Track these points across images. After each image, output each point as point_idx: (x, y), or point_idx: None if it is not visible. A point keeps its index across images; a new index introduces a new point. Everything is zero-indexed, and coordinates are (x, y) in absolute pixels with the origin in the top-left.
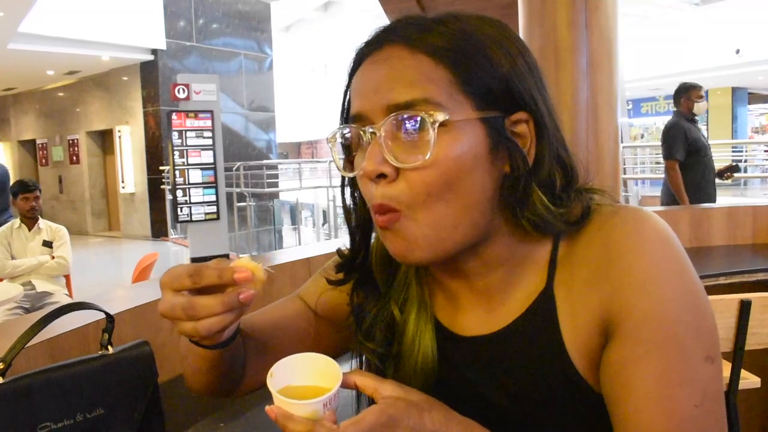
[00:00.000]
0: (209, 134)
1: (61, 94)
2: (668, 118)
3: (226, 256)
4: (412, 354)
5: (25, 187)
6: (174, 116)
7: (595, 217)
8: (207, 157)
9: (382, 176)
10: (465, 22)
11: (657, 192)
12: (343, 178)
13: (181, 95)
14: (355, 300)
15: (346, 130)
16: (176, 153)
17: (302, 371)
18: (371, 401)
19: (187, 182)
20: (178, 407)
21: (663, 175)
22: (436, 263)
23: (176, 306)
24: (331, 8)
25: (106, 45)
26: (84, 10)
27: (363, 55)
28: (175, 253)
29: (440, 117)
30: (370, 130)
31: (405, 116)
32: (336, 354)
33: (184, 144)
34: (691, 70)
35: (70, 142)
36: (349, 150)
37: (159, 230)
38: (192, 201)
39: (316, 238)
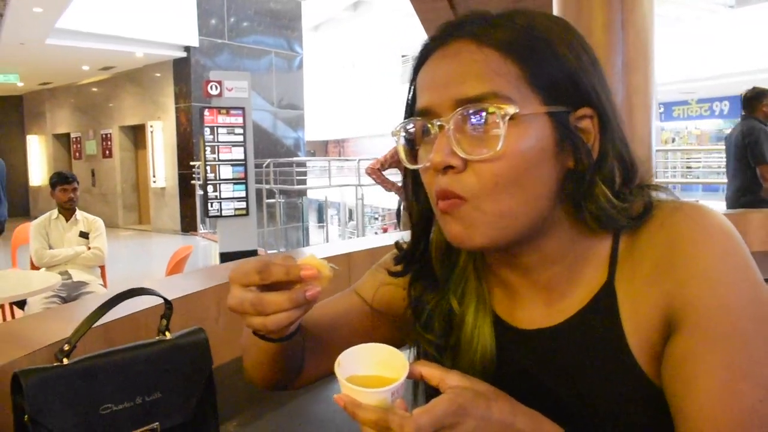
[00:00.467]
0: (240, 131)
1: (95, 89)
2: (700, 122)
3: (255, 252)
4: (470, 347)
5: (64, 179)
6: (206, 112)
7: (656, 213)
8: (238, 153)
9: (449, 168)
10: (530, 18)
11: (687, 197)
12: (405, 171)
13: (214, 92)
14: (413, 292)
15: (410, 125)
16: (208, 149)
17: (367, 361)
18: (429, 393)
19: (217, 178)
20: (223, 396)
21: (695, 180)
22: (492, 250)
23: (245, 301)
24: (361, 8)
25: (141, 42)
26: (120, 8)
27: (429, 50)
28: (204, 247)
29: (510, 110)
30: (438, 122)
31: (475, 109)
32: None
33: (216, 140)
34: (725, 74)
35: (104, 136)
36: (412, 144)
37: (188, 225)
38: (222, 196)
39: (341, 236)
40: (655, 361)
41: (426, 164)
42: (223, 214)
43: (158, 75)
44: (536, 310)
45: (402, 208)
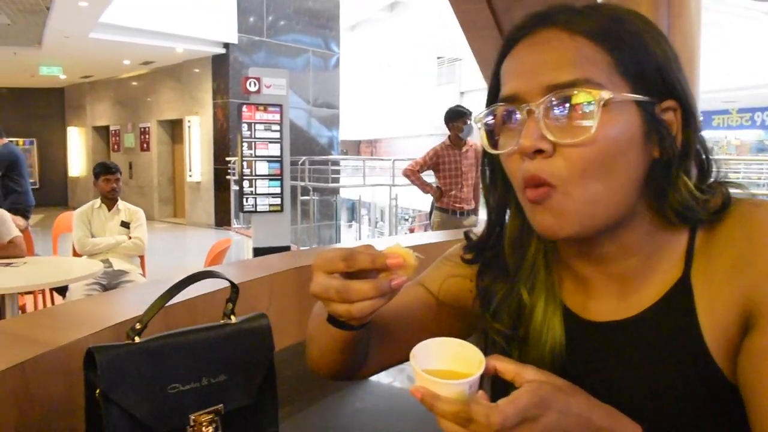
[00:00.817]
0: (277, 128)
1: (134, 83)
2: (741, 132)
3: (288, 248)
4: (540, 340)
5: (107, 169)
6: (244, 108)
7: (734, 210)
8: (274, 149)
9: (538, 152)
10: (616, 10)
11: None
12: (483, 160)
13: (252, 88)
14: (482, 282)
15: (489, 117)
16: (245, 144)
17: (441, 355)
18: (495, 389)
19: (253, 173)
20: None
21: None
22: (578, 240)
23: (330, 288)
24: (397, 8)
25: (181, 37)
26: (161, 4)
27: (516, 38)
28: (237, 242)
29: (605, 95)
30: (527, 107)
31: (568, 95)
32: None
33: (253, 136)
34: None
35: (142, 129)
36: (492, 132)
37: (222, 219)
38: (257, 192)
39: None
40: (730, 356)
41: (512, 149)
42: (258, 209)
43: (197, 71)
44: (608, 303)
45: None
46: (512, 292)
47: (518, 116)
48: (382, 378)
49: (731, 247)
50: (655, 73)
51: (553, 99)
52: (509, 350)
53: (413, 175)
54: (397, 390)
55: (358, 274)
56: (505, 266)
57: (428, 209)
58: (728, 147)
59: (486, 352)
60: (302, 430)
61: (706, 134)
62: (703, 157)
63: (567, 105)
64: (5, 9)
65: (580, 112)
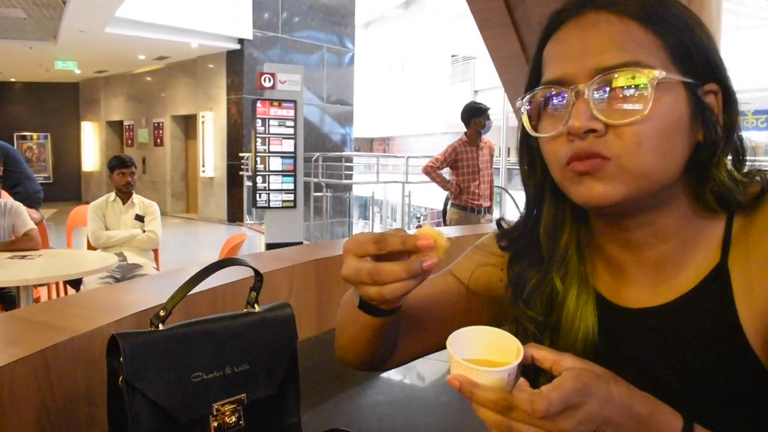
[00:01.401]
0: (291, 124)
1: (149, 78)
2: (756, 133)
3: (300, 243)
4: (572, 328)
5: (122, 163)
6: (259, 104)
7: None
8: (288, 145)
9: (590, 132)
10: None
11: None
12: (522, 145)
13: (267, 84)
14: (515, 269)
15: (530, 100)
16: (258, 140)
17: (477, 344)
18: (531, 378)
19: (267, 169)
20: None
21: None
22: (618, 209)
23: (362, 270)
24: (412, 6)
25: (197, 33)
26: None
27: (561, 20)
28: (251, 238)
29: (657, 75)
30: (576, 89)
31: (619, 76)
32: None
33: (267, 132)
34: None
35: (155, 125)
36: (532, 118)
37: (234, 215)
38: (271, 188)
39: None
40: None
41: (559, 131)
42: (271, 205)
43: (211, 66)
44: (643, 290)
45: (449, 207)
46: (545, 280)
47: (564, 99)
48: (406, 369)
49: None
50: (699, 56)
51: (603, 81)
52: (541, 338)
53: (434, 171)
54: (413, 385)
55: (389, 257)
56: (538, 254)
57: (440, 207)
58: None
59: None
60: (322, 420)
61: None
62: (739, 142)
63: (619, 86)
64: (22, 3)
65: (632, 92)
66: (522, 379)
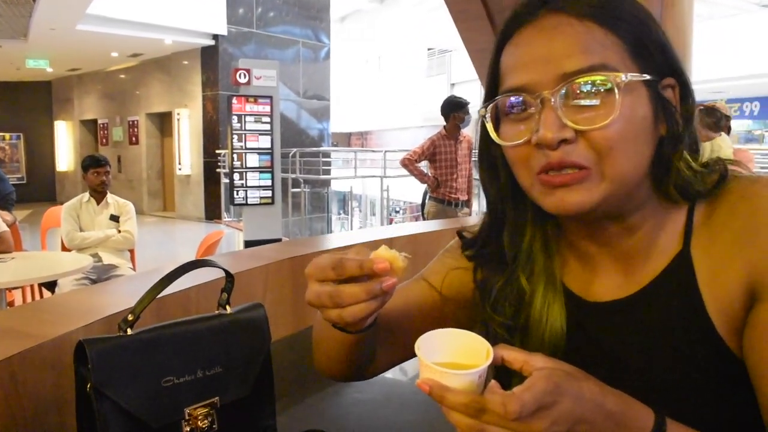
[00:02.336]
0: (267, 119)
1: (123, 76)
2: (732, 122)
3: (279, 241)
4: (540, 325)
5: (96, 162)
6: (234, 100)
7: (733, 186)
8: (264, 142)
9: (562, 142)
10: None
11: None
12: (481, 151)
13: (242, 80)
14: (479, 275)
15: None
16: (235, 137)
17: (446, 347)
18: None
19: (244, 166)
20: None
21: None
22: (594, 215)
23: (323, 294)
24: (387, 0)
25: (170, 29)
26: None
27: (519, 24)
28: (228, 235)
29: (623, 77)
30: (541, 96)
31: (586, 80)
32: None
33: (243, 128)
34: (757, 74)
35: (130, 123)
36: (496, 124)
37: (212, 212)
38: (248, 185)
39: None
40: (735, 330)
41: (526, 139)
42: (249, 202)
43: (186, 63)
44: (612, 281)
45: (427, 200)
46: (511, 281)
47: (528, 106)
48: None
49: (733, 222)
50: (657, 52)
51: (569, 87)
52: (511, 340)
53: (411, 164)
54: (394, 381)
55: (350, 280)
56: (502, 258)
57: (419, 201)
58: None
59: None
60: (299, 421)
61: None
62: (695, 133)
63: (586, 91)
64: None
65: (599, 96)
66: (493, 381)
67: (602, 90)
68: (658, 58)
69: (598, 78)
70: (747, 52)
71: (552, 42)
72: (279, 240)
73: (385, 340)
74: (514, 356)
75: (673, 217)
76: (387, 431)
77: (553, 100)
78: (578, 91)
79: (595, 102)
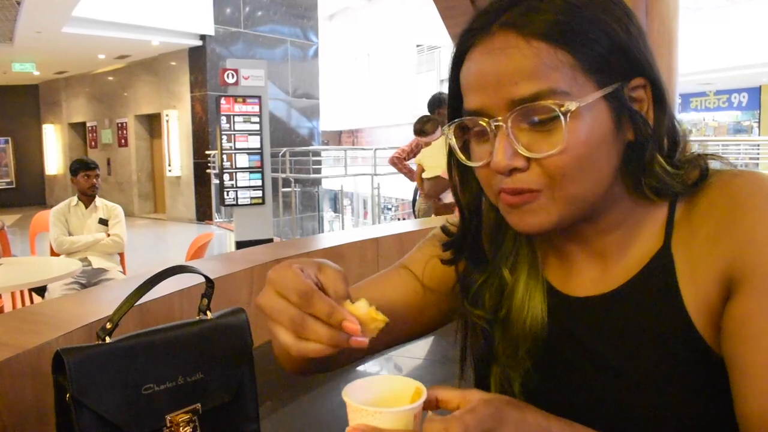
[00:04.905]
0: (257, 119)
1: (110, 78)
2: (718, 113)
3: (270, 241)
4: (521, 315)
5: (86, 166)
6: (223, 101)
7: (714, 180)
8: (254, 142)
9: (515, 170)
10: None
11: None
12: (449, 161)
13: (230, 80)
14: (461, 268)
15: (461, 124)
16: (224, 137)
17: (376, 392)
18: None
19: (234, 166)
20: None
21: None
22: (559, 229)
23: (284, 313)
24: None
25: (157, 30)
26: None
27: (472, 42)
28: (219, 236)
29: (571, 106)
30: (495, 123)
31: (534, 109)
32: (440, 325)
33: (232, 128)
34: (744, 65)
35: (119, 125)
36: (462, 140)
37: (203, 214)
38: (238, 185)
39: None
40: (713, 325)
41: (483, 163)
42: (239, 202)
43: (174, 64)
44: (591, 278)
45: (417, 197)
46: (492, 275)
47: (486, 129)
48: (370, 368)
49: (712, 216)
50: (620, 56)
51: (520, 113)
52: (491, 332)
53: (400, 162)
54: None
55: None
56: (483, 257)
57: (410, 198)
58: (706, 129)
59: (465, 337)
60: (285, 426)
61: (684, 117)
62: (675, 128)
63: (534, 118)
64: None
65: (548, 123)
66: (430, 412)
67: (550, 118)
68: (621, 64)
69: (544, 105)
70: (734, 44)
71: (499, 65)
72: (270, 240)
73: None
74: (449, 396)
75: (653, 214)
76: None
77: (504, 126)
78: (528, 119)
79: (544, 129)
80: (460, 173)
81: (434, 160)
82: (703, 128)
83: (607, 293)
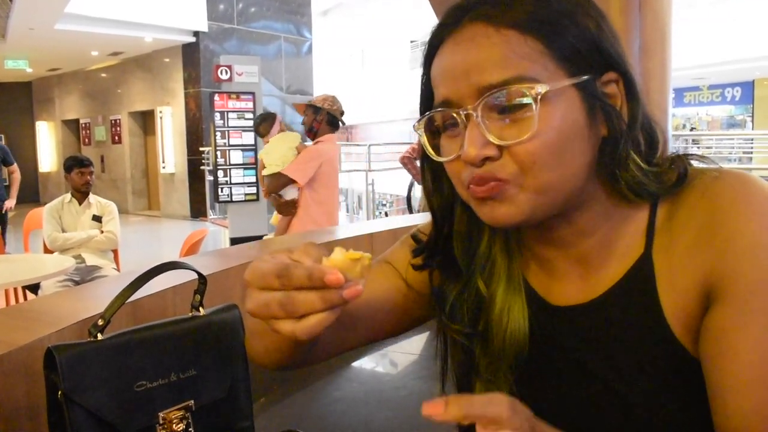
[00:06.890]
0: (250, 116)
1: (104, 74)
2: (712, 108)
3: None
4: (500, 328)
5: (80, 162)
6: (216, 97)
7: (696, 183)
8: (248, 138)
9: (487, 159)
10: None
11: None
12: (422, 162)
13: (224, 76)
14: (436, 280)
15: (432, 118)
16: (218, 134)
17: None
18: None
19: (228, 163)
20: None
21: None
22: (528, 226)
23: (272, 303)
24: None
25: (150, 27)
26: None
27: (441, 37)
28: (214, 233)
29: (540, 89)
30: (465, 112)
31: (503, 95)
32: (426, 320)
33: (226, 125)
34: (737, 59)
35: (113, 122)
36: (432, 137)
37: (198, 210)
38: (232, 182)
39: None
40: (692, 333)
41: (456, 155)
42: (234, 199)
43: (167, 60)
44: (573, 285)
45: (411, 194)
46: (468, 288)
47: (456, 121)
48: (365, 363)
49: (693, 222)
50: (591, 49)
51: (489, 100)
52: (471, 346)
53: (410, 163)
54: (373, 379)
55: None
56: (455, 267)
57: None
58: (699, 123)
59: (445, 351)
60: (278, 421)
61: (678, 111)
62: (650, 127)
63: (504, 105)
64: None
65: (519, 110)
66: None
67: (520, 104)
68: (592, 56)
69: (513, 91)
70: (727, 38)
71: (468, 55)
72: (265, 236)
73: (340, 325)
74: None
75: (634, 217)
76: (366, 428)
77: (475, 114)
78: (498, 106)
79: (514, 116)
80: (432, 175)
81: (271, 158)
82: (697, 123)
83: (589, 302)
